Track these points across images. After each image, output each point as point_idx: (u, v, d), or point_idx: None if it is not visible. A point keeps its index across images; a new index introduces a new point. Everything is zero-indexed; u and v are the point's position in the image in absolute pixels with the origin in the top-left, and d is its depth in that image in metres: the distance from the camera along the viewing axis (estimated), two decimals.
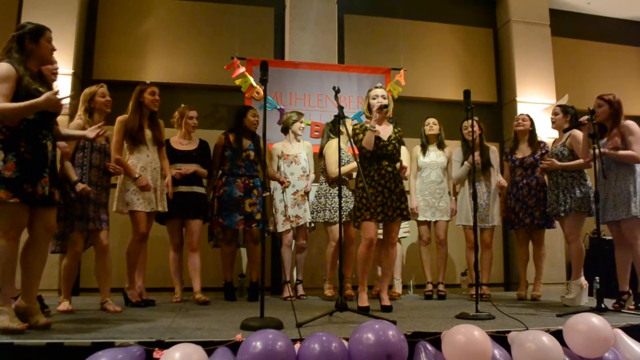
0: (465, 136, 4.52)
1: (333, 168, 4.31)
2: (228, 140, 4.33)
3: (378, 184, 3.48)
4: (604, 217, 3.72)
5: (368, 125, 3.49)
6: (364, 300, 3.48)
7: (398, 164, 3.66)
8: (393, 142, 3.58)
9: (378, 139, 3.51)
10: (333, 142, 4.43)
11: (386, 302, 3.53)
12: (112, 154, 3.63)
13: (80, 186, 3.24)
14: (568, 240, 4.01)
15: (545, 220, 4.34)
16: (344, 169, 4.14)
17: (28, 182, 2.47)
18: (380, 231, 3.80)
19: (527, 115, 4.59)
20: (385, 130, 3.60)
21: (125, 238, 3.81)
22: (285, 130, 4.63)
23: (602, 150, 3.51)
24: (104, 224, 3.46)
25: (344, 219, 3.99)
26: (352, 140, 3.54)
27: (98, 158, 3.47)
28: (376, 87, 3.70)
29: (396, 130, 3.65)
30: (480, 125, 4.58)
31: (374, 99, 3.63)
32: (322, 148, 4.58)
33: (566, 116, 4.14)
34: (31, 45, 2.62)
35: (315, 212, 4.44)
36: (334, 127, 4.56)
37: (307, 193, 4.49)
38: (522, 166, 4.43)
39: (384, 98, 3.62)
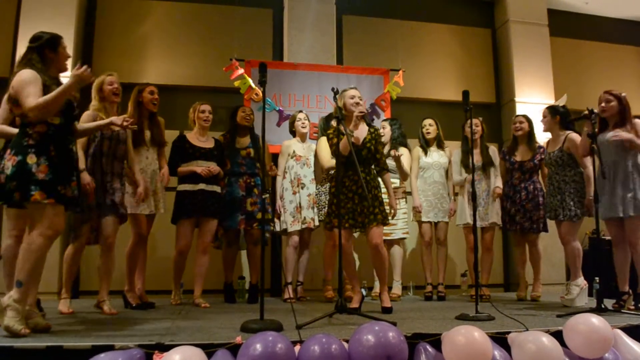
0: (468, 135, 4.51)
1: (326, 161, 4.29)
2: (227, 141, 4.35)
3: (349, 190, 3.44)
4: (609, 214, 3.65)
5: (348, 130, 3.43)
6: (353, 302, 3.50)
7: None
8: (367, 145, 3.49)
9: (352, 144, 3.49)
10: (322, 139, 4.43)
11: (386, 303, 3.51)
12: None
13: (86, 178, 3.20)
14: (564, 242, 3.98)
15: (544, 225, 4.35)
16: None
17: (61, 184, 2.53)
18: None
19: (524, 117, 4.51)
20: (360, 133, 3.51)
21: (125, 241, 3.80)
22: (292, 131, 4.65)
23: (619, 135, 3.50)
24: (121, 208, 3.43)
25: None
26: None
27: (108, 145, 3.41)
28: (351, 88, 3.61)
29: (372, 131, 3.54)
30: (483, 126, 4.58)
31: (351, 98, 3.53)
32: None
33: (554, 117, 4.05)
34: (51, 54, 2.69)
35: (318, 210, 4.44)
36: (325, 124, 4.56)
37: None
38: (520, 169, 4.41)
39: (360, 99, 3.55)
